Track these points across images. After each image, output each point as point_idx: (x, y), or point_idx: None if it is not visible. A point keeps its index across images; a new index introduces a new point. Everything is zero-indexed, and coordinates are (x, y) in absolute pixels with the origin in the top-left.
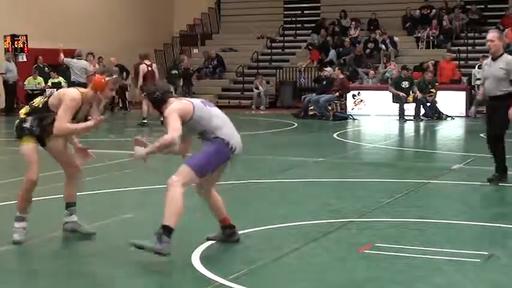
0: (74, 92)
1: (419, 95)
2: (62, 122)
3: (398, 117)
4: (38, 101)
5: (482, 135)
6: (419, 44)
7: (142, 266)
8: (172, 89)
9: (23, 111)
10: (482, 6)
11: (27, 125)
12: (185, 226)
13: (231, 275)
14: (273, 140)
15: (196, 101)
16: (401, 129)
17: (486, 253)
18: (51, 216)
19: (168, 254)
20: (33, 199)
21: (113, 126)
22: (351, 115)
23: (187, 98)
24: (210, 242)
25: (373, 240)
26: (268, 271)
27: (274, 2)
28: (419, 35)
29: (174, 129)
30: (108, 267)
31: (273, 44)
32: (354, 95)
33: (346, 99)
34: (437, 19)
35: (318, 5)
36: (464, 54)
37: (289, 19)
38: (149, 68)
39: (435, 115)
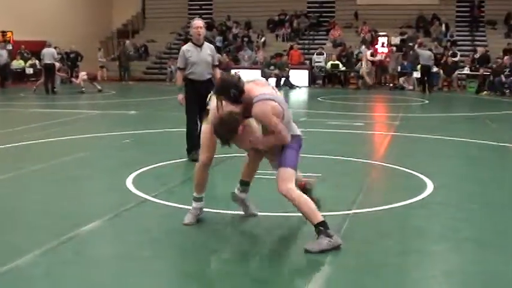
0: None
1: (278, 72)
2: None
3: None
4: None
5: (319, 98)
6: (278, 38)
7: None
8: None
9: None
10: (318, 14)
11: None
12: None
13: None
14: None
15: (281, 99)
16: None
17: None
18: None
19: (340, 244)
20: None
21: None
22: None
23: (270, 94)
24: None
25: None
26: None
27: (181, 9)
28: (277, 32)
29: (284, 129)
30: None
31: (180, 37)
32: (235, 72)
33: None
34: (289, 22)
35: (211, 11)
36: (307, 46)
37: (190, 21)
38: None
39: (288, 85)
